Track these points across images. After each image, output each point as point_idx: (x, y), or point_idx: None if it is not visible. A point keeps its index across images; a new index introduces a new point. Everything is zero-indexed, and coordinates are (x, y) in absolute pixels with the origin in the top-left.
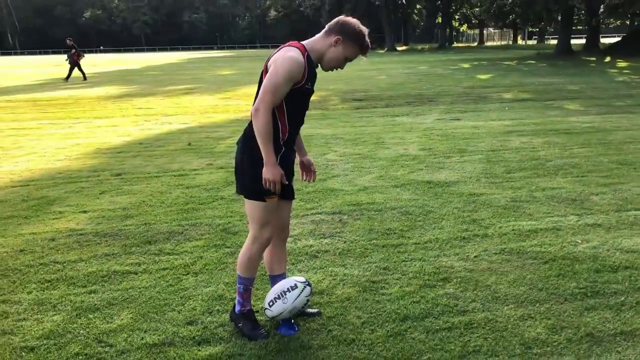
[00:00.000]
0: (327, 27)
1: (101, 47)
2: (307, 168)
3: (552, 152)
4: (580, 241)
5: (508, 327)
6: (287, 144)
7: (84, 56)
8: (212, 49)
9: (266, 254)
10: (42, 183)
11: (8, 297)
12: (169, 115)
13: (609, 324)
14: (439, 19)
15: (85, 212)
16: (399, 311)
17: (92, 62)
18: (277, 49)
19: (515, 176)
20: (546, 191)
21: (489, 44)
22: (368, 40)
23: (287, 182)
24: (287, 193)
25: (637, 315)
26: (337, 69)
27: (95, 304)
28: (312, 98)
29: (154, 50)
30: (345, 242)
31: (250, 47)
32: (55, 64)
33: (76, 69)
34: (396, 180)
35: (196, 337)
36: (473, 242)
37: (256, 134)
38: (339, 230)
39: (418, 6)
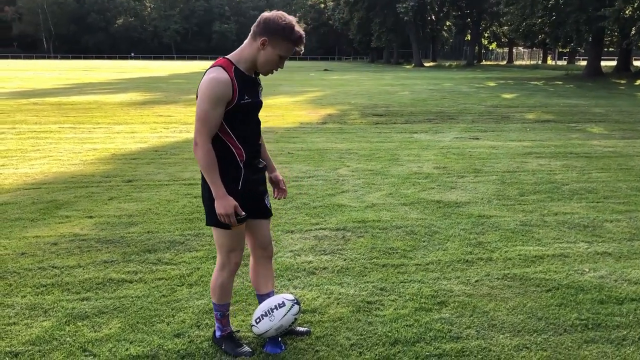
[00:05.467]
0: (252, 29)
1: (132, 54)
2: (276, 185)
3: (569, 176)
4: (587, 270)
5: (501, 357)
6: (248, 165)
7: None
8: None
9: (252, 273)
10: (54, 186)
11: (2, 300)
12: (188, 123)
13: (607, 358)
14: (468, 37)
15: (91, 217)
16: (390, 334)
17: (121, 68)
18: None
19: (529, 199)
20: (558, 216)
21: (518, 63)
22: (299, 31)
23: (243, 214)
24: (261, 213)
25: (639, 351)
26: (276, 70)
27: (86, 312)
28: (332, 112)
29: (183, 58)
30: (345, 259)
31: None
32: (84, 69)
33: None
34: (405, 199)
35: (181, 351)
36: (476, 266)
37: (200, 167)
38: (340, 247)
39: (447, 23)
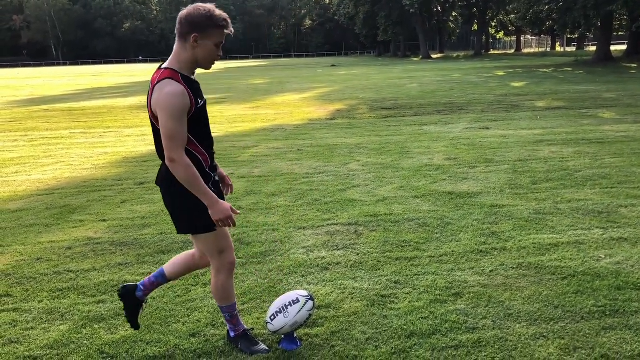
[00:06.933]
0: (177, 32)
1: (140, 57)
2: (223, 182)
3: (581, 162)
4: (603, 256)
5: (518, 346)
6: (212, 168)
7: None
8: (247, 58)
9: (181, 258)
10: (67, 192)
11: (19, 306)
12: None
13: (626, 345)
14: (475, 26)
15: (104, 220)
16: (405, 327)
17: (130, 72)
18: (152, 85)
19: (541, 187)
20: (572, 203)
21: (526, 51)
22: (221, 13)
23: (238, 212)
24: None
25: None
26: (217, 60)
27: (102, 314)
28: (341, 107)
29: None
30: (358, 254)
31: (285, 56)
32: (93, 74)
33: None
34: (417, 191)
35: (197, 350)
36: (490, 256)
37: (183, 182)
38: (353, 241)
39: (454, 13)
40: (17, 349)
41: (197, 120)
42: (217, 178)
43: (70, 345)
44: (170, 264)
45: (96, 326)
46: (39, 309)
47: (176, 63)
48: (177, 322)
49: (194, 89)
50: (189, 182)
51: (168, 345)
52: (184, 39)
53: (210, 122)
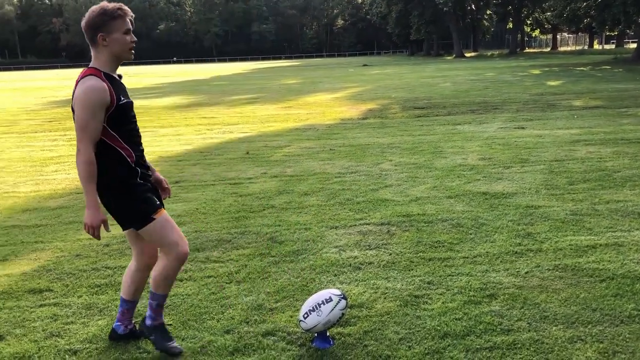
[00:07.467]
0: (87, 41)
1: (174, 58)
2: (159, 184)
3: (620, 163)
4: None
5: (555, 349)
6: (140, 164)
7: None
8: (279, 58)
9: (127, 277)
10: None
11: (60, 300)
12: (231, 124)
13: None
14: (510, 24)
15: None
16: (439, 328)
17: (165, 73)
18: (75, 84)
19: (578, 188)
20: (610, 204)
21: (562, 49)
22: (113, 5)
23: (110, 230)
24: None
25: None
26: (133, 47)
27: (138, 310)
28: (373, 107)
29: (224, 60)
30: (390, 254)
31: (317, 56)
32: (129, 75)
33: None
34: (451, 191)
35: (230, 347)
36: (525, 257)
37: (79, 173)
38: (385, 241)
39: (488, 11)
40: (59, 342)
41: (119, 117)
42: (149, 173)
43: (108, 339)
44: (123, 289)
45: (133, 321)
46: (78, 304)
47: (97, 65)
48: (211, 319)
49: (116, 86)
50: (84, 175)
51: (202, 341)
52: (95, 43)
53: (243, 121)
